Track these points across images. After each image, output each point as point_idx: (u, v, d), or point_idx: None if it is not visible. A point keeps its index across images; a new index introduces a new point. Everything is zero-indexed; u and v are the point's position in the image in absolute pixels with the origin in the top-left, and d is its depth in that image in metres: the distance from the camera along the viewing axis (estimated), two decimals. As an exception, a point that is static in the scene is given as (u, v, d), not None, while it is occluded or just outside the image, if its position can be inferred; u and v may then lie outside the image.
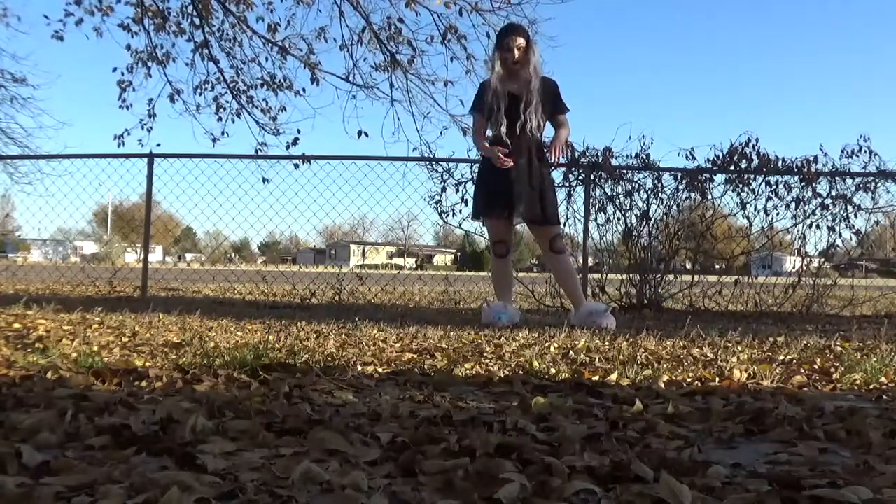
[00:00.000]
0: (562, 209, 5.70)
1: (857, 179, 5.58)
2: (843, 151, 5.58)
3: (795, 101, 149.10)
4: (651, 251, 5.71)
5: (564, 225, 5.71)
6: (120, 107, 7.54)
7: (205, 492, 1.01)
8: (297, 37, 7.35)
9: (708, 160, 5.66)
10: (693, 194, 5.76)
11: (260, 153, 7.42)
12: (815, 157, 5.56)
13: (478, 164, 5.76)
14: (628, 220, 5.74)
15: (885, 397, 1.97)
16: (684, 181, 5.70)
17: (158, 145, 7.42)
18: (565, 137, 4.40)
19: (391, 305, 5.87)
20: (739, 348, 2.96)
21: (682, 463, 1.21)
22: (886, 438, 1.44)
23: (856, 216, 5.58)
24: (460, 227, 6.11)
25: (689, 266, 6.13)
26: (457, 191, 5.83)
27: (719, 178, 5.72)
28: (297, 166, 6.57)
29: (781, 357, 2.68)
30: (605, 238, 5.86)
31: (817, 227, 5.62)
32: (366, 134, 7.12)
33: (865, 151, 5.54)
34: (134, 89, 7.52)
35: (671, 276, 5.74)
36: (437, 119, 7.42)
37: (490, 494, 1.03)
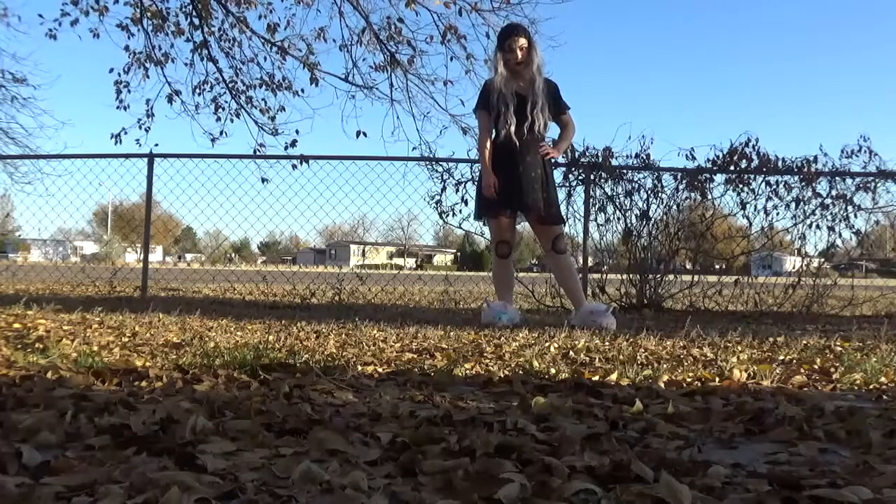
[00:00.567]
0: (562, 209, 5.72)
1: (857, 179, 5.58)
2: (843, 151, 5.58)
3: (795, 102, 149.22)
4: (651, 251, 5.71)
5: (564, 225, 5.73)
6: (117, 107, 7.54)
7: (205, 492, 1.01)
8: (296, 37, 7.36)
9: (708, 160, 5.67)
10: (693, 194, 5.77)
11: (258, 153, 7.43)
12: (815, 157, 5.57)
13: (478, 165, 5.80)
14: (628, 220, 5.74)
15: (885, 397, 1.97)
16: (684, 181, 5.70)
17: (157, 145, 7.42)
18: (570, 139, 4.53)
19: (391, 305, 5.87)
20: (739, 348, 2.96)
21: (682, 463, 1.21)
22: (886, 438, 1.44)
23: (856, 216, 5.59)
24: (460, 227, 6.11)
25: (688, 266, 6.13)
26: (457, 191, 5.83)
27: (719, 178, 5.73)
28: (295, 167, 6.58)
29: (781, 357, 2.68)
30: (605, 238, 5.87)
31: (817, 227, 5.63)
32: (364, 134, 7.14)
33: (865, 151, 5.54)
34: (129, 91, 7.52)
35: (671, 276, 5.74)
36: (436, 119, 7.44)
37: (490, 494, 1.02)
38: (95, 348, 2.53)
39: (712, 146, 5.70)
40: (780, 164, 5.58)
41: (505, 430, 1.43)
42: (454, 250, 57.62)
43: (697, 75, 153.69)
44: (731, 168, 5.65)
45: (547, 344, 2.98)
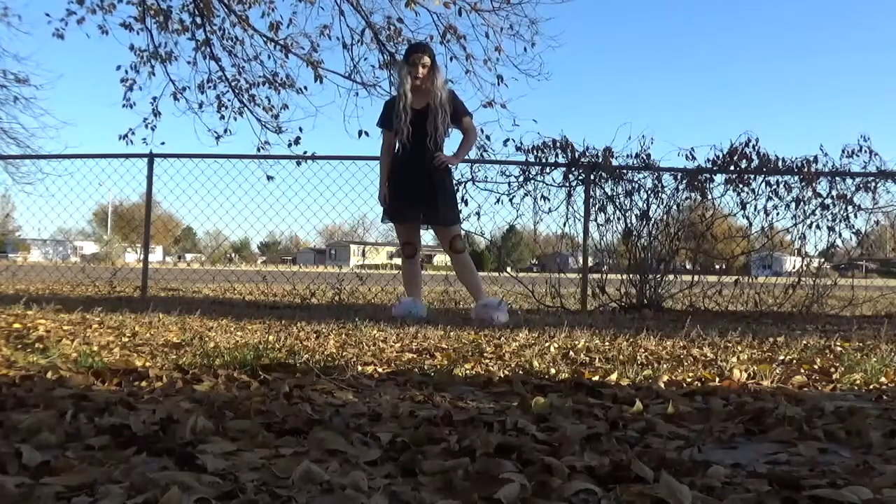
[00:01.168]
0: (562, 209, 5.76)
1: (858, 179, 5.59)
2: (843, 151, 5.59)
3: (795, 102, 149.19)
4: (651, 251, 5.71)
5: (564, 225, 5.79)
6: (124, 105, 7.59)
7: (205, 492, 1.01)
8: (299, 35, 7.37)
9: (708, 160, 5.67)
10: (693, 194, 5.77)
11: (262, 152, 7.45)
12: (815, 157, 5.57)
13: (477, 165, 5.85)
14: (628, 220, 5.75)
15: (885, 397, 1.97)
16: (684, 181, 5.70)
17: (163, 143, 7.47)
18: (472, 143, 4.77)
19: (391, 305, 5.86)
20: (739, 348, 2.96)
21: (682, 463, 1.21)
22: (886, 438, 1.44)
23: (856, 216, 5.60)
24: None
25: (688, 266, 6.13)
26: (456, 191, 5.83)
27: (719, 178, 5.73)
28: (298, 164, 6.59)
29: (781, 357, 2.68)
30: (605, 238, 5.88)
31: (817, 227, 5.64)
32: (366, 133, 7.14)
33: (865, 151, 5.55)
34: (140, 88, 7.57)
35: (671, 276, 5.74)
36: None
37: (490, 494, 1.02)
38: (95, 348, 2.52)
39: (712, 146, 5.72)
40: (780, 164, 5.58)
41: (505, 430, 1.43)
42: (454, 250, 57.47)
43: (697, 75, 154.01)
44: (731, 168, 5.65)
45: (547, 344, 2.98)
